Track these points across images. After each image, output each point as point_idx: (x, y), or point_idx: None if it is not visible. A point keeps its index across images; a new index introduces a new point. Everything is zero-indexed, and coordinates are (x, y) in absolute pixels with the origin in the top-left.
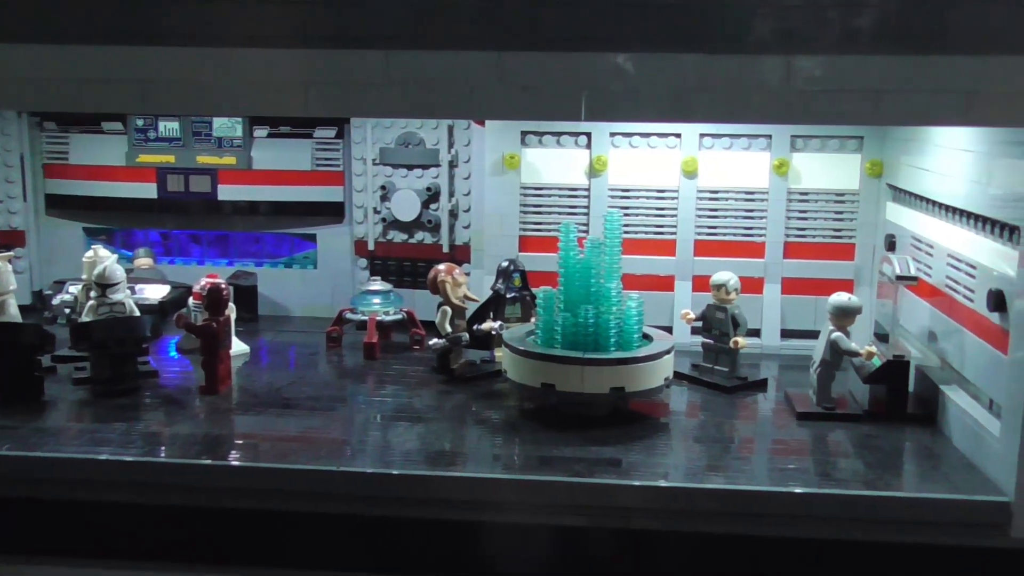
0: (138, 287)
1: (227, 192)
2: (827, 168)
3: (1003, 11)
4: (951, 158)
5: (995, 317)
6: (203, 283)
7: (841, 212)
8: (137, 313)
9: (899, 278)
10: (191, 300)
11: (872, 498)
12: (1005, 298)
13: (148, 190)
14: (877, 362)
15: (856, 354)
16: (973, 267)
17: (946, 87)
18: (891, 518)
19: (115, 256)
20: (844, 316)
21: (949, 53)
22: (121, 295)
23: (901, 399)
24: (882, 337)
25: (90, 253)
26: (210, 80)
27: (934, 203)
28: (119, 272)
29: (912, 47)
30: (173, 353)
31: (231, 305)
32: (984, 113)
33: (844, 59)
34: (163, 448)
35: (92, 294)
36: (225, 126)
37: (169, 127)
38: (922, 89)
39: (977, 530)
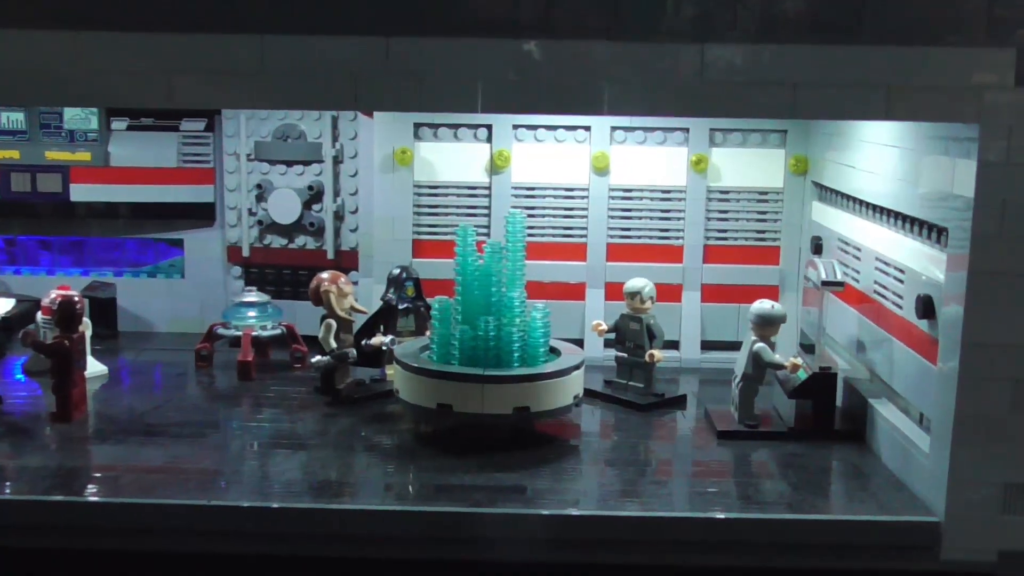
0: None
1: (81, 192)
2: (749, 164)
3: None
4: (877, 155)
5: (924, 325)
6: (53, 296)
7: (764, 212)
8: None
9: (825, 283)
10: (40, 315)
11: (797, 522)
12: (934, 304)
13: None
14: (803, 375)
15: (780, 366)
16: (901, 271)
17: (867, 80)
18: (817, 543)
19: None
20: (767, 325)
21: (870, 44)
22: None
23: (828, 414)
24: (808, 348)
25: None
26: (59, 66)
27: (861, 203)
28: None
29: (831, 37)
30: (19, 376)
31: (86, 320)
32: (907, 107)
33: (760, 49)
34: (8, 484)
35: None
36: (78, 118)
37: (12, 119)
38: (842, 82)
39: (906, 553)
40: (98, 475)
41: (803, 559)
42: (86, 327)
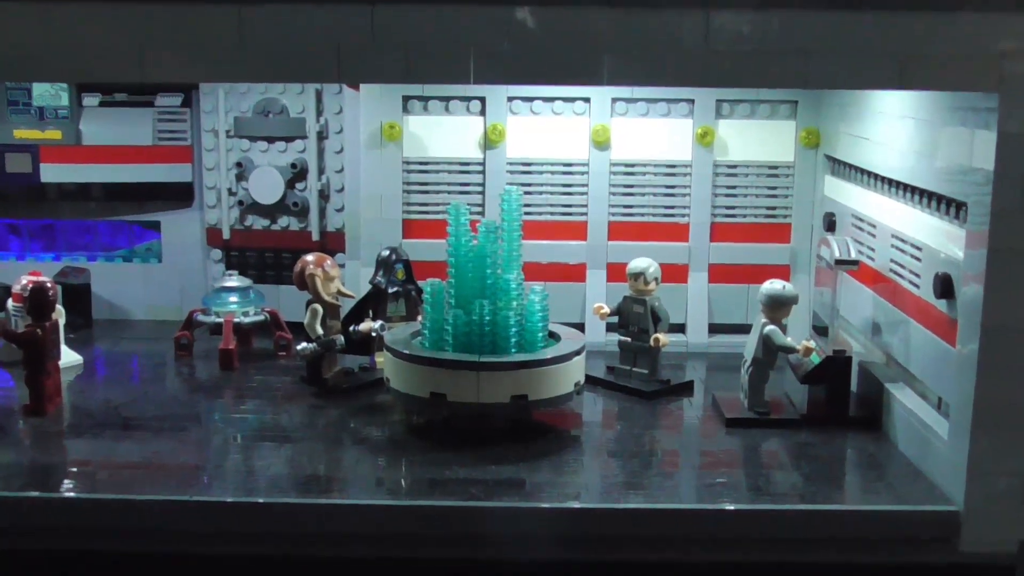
0: None
1: (52, 172)
2: (758, 137)
3: None
4: (893, 126)
5: (942, 305)
6: (24, 282)
7: (774, 188)
8: None
9: (838, 262)
10: (10, 303)
11: (810, 514)
12: (952, 283)
13: None
14: (815, 359)
15: (792, 350)
16: (919, 249)
17: (882, 47)
18: (831, 536)
19: None
20: (778, 307)
21: (884, 9)
22: None
23: (842, 400)
24: (821, 330)
25: None
26: (26, 40)
27: (876, 177)
28: None
29: (844, 3)
30: None
31: (59, 308)
32: (923, 76)
33: (768, 15)
34: None
35: None
36: (47, 94)
37: None
38: (855, 50)
39: (924, 545)
40: (74, 471)
41: (816, 553)
42: (59, 315)
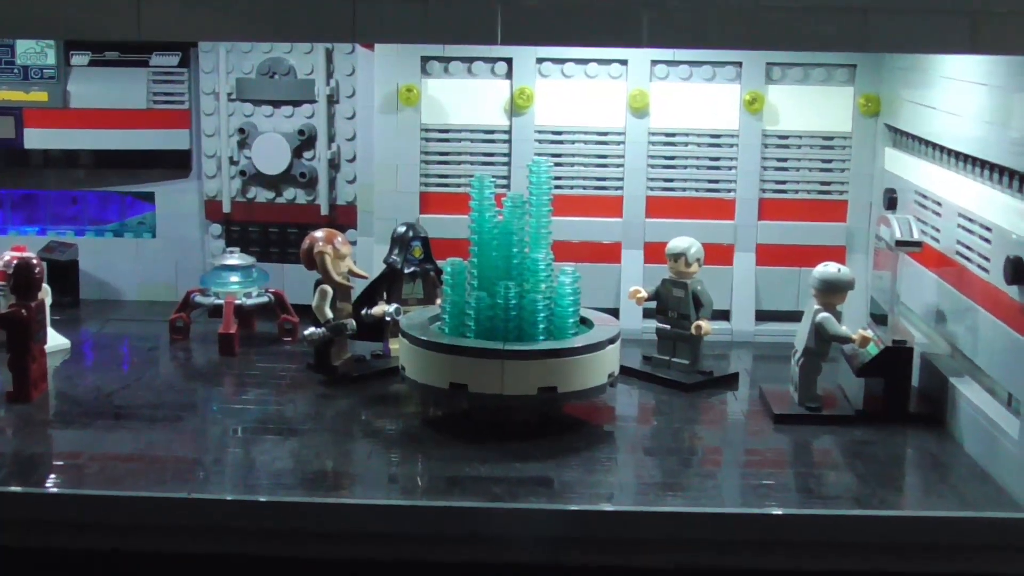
0: None
1: (36, 138)
2: (812, 105)
3: None
4: (961, 93)
5: (1014, 291)
6: (8, 258)
7: (830, 160)
8: None
9: (899, 244)
10: None
11: (865, 519)
12: None
13: None
14: (873, 350)
15: (847, 340)
16: (988, 229)
17: (950, 6)
18: (888, 542)
19: None
20: (832, 292)
21: None
22: None
23: (902, 395)
24: (879, 318)
25: None
26: None
27: (942, 149)
28: None
29: None
30: None
31: (45, 287)
32: (996, 38)
33: None
34: None
35: None
36: (32, 51)
37: None
38: (920, 8)
39: (992, 554)
40: (60, 463)
41: (873, 561)
42: (45, 294)
